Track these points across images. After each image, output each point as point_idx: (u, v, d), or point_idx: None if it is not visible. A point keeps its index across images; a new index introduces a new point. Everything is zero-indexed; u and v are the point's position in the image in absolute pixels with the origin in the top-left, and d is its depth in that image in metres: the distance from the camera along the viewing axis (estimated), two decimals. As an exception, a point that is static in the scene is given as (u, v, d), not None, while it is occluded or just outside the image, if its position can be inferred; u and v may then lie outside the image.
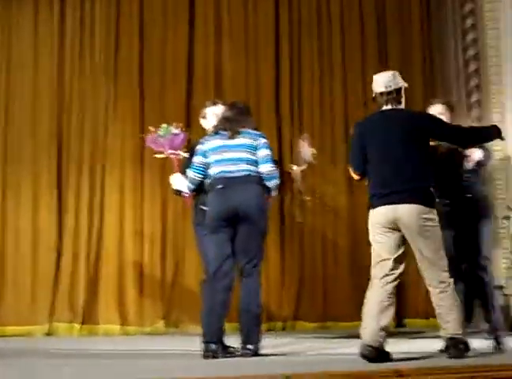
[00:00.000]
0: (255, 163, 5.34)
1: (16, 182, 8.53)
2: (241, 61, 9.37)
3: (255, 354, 5.06)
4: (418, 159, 4.81)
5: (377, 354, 4.53)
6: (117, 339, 7.82)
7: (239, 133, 5.39)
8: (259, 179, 5.33)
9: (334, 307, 9.04)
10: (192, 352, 5.60)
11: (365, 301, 4.84)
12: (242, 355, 5.07)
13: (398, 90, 4.96)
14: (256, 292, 5.18)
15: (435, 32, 9.91)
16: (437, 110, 5.60)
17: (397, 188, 4.74)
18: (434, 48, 9.93)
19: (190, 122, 8.71)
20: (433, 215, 4.76)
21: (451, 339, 4.69)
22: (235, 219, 5.21)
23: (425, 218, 4.72)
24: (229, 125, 5.43)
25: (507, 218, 8.06)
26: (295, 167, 5.89)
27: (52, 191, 8.47)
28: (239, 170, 5.31)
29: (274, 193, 5.54)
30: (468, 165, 5.43)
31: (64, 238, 8.41)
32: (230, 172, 5.32)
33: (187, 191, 5.66)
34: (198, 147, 5.51)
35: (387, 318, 4.73)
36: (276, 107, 9.43)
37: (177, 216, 8.64)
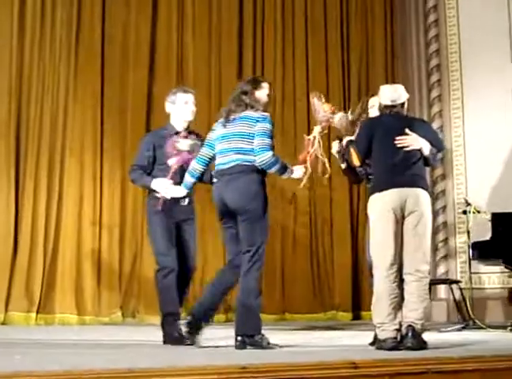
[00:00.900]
0: (248, 151, 5.07)
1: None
2: (204, 48, 9.41)
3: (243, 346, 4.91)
4: (419, 154, 5.05)
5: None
6: (73, 328, 7.75)
7: (234, 119, 5.17)
8: (249, 168, 5.05)
9: (293, 299, 9.09)
10: (147, 342, 5.60)
11: (374, 296, 4.89)
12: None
13: (402, 104, 5.21)
14: (248, 283, 4.96)
15: (398, 27, 10.06)
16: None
17: (407, 173, 4.96)
18: (396, 42, 10.06)
19: (151, 108, 8.70)
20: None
21: (410, 326, 4.73)
22: (231, 213, 5.07)
23: (427, 205, 4.96)
24: (226, 112, 5.24)
25: (464, 212, 8.12)
26: (315, 128, 5.42)
27: (10, 177, 8.27)
28: (227, 162, 5.11)
29: (286, 176, 5.21)
30: None
31: (21, 226, 8.24)
32: (221, 164, 5.15)
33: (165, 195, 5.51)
34: (207, 136, 5.37)
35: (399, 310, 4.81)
36: (239, 96, 9.46)
37: (136, 206, 8.58)
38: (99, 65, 8.86)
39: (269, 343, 4.90)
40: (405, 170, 4.97)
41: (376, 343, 4.93)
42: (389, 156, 5.01)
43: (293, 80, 9.73)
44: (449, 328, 7.30)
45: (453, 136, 9.49)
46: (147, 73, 9.06)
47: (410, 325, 4.74)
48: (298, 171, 5.25)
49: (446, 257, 9.40)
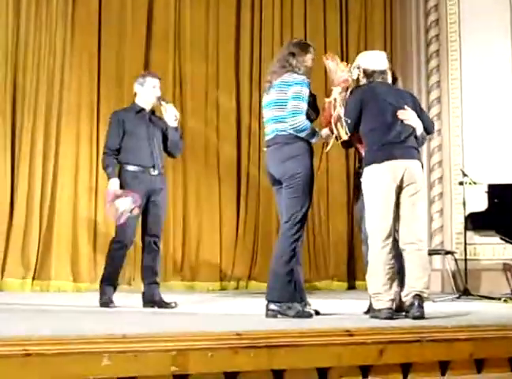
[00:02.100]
0: (284, 119, 4.99)
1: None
2: (201, 16, 9.35)
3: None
4: (412, 128, 5.02)
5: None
6: (69, 295, 7.77)
7: (273, 86, 5.09)
8: (288, 138, 4.97)
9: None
10: (143, 309, 5.63)
11: (370, 267, 4.89)
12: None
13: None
14: (280, 250, 4.91)
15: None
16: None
17: (405, 145, 4.92)
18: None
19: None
20: None
21: (417, 296, 4.74)
22: (277, 182, 5.05)
23: (422, 177, 5.04)
24: (269, 74, 5.19)
25: (461, 183, 8.13)
26: (334, 90, 5.27)
27: (6, 143, 8.21)
28: (269, 132, 5.07)
29: (315, 141, 5.08)
30: None
31: (17, 192, 8.21)
32: (266, 135, 5.13)
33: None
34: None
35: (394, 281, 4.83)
36: (236, 64, 9.46)
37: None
38: (95, 32, 8.78)
39: (298, 312, 4.78)
40: (403, 142, 4.92)
41: (371, 312, 4.95)
42: (387, 127, 4.94)
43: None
44: (443, 298, 7.34)
45: (450, 107, 9.48)
46: (144, 40, 9.01)
47: (418, 295, 4.74)
48: (325, 135, 5.18)
49: (441, 227, 9.43)
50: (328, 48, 9.66)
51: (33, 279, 8.10)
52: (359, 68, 5.18)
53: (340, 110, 5.09)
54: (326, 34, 9.99)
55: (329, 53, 5.43)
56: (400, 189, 4.87)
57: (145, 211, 5.92)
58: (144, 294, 5.92)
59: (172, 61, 9.14)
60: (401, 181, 4.85)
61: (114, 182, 5.90)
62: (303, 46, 5.22)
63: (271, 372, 3.49)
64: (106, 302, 5.75)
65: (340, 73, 5.24)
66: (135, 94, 6.16)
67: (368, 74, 5.14)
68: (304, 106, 4.98)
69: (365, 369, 3.73)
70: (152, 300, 5.83)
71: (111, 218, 5.96)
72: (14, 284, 7.98)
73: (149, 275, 5.93)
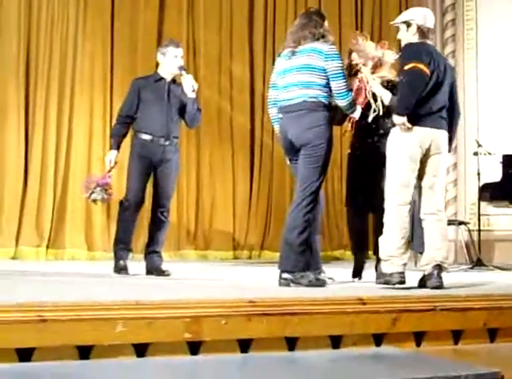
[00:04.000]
0: (315, 85, 4.87)
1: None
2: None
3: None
4: None
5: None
6: (83, 263, 7.81)
7: (300, 51, 4.96)
8: (317, 105, 4.86)
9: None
10: (156, 278, 5.65)
11: (386, 229, 4.81)
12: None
13: None
14: (293, 221, 4.87)
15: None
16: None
17: (438, 114, 4.84)
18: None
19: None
20: None
21: (438, 266, 4.73)
22: (295, 149, 4.96)
23: (447, 149, 4.98)
24: (293, 41, 5.02)
25: (476, 154, 8.09)
26: (362, 68, 5.19)
27: (20, 112, 8.24)
28: (292, 98, 4.91)
29: (352, 112, 5.06)
30: None
31: (31, 162, 8.25)
32: (287, 100, 4.96)
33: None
34: (271, 78, 5.28)
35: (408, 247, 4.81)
36: (250, 33, 9.41)
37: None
38: (109, 1, 8.74)
39: (311, 281, 4.74)
40: (437, 111, 4.84)
41: (380, 277, 4.91)
42: (428, 93, 4.82)
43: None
44: (456, 269, 7.34)
45: (466, 78, 9.41)
46: (157, 13, 8.97)
47: (438, 265, 4.72)
48: (357, 112, 5.12)
49: (455, 198, 9.41)
50: (342, 21, 9.67)
51: (47, 247, 8.16)
52: (409, 25, 4.93)
53: (372, 87, 5.08)
54: (341, 5, 9.90)
55: (358, 31, 5.39)
56: (425, 156, 4.82)
57: (154, 181, 5.93)
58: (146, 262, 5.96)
59: (186, 30, 9.10)
60: (427, 150, 4.80)
61: (111, 154, 5.98)
62: (322, 16, 5.15)
63: (284, 339, 3.51)
64: (120, 269, 5.76)
65: (370, 50, 5.21)
66: (157, 64, 6.15)
67: (424, 32, 4.94)
68: (347, 82, 4.97)
69: (378, 338, 3.74)
70: (149, 268, 5.85)
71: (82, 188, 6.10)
72: (29, 252, 8.04)
73: (150, 244, 5.95)
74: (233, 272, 6.71)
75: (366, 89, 5.06)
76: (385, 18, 9.86)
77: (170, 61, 5.96)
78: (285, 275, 4.80)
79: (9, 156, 8.21)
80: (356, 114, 5.16)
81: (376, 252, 5.19)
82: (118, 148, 6.01)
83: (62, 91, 8.42)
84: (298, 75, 4.93)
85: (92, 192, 5.87)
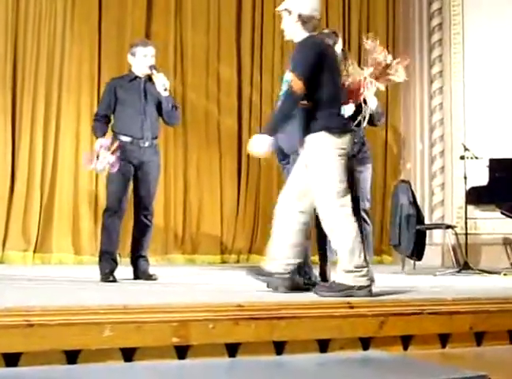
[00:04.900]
0: None
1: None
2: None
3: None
4: None
5: None
6: (70, 267, 7.79)
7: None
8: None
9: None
10: (144, 281, 5.64)
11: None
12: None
13: None
14: None
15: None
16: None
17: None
18: None
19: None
20: None
21: None
22: None
23: None
24: None
25: (462, 158, 8.11)
26: (365, 70, 5.11)
27: (6, 114, 8.19)
28: None
29: None
30: None
31: (18, 164, 8.21)
32: None
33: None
34: None
35: None
36: (237, 39, 9.40)
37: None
38: (96, 2, 8.71)
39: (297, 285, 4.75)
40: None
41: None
42: (339, 93, 4.63)
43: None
44: (443, 272, 7.36)
45: (452, 81, 9.45)
46: (145, 12, 8.94)
47: None
48: (349, 109, 5.06)
49: (442, 201, 9.44)
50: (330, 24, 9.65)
51: (34, 251, 8.12)
52: (290, 12, 4.54)
53: (369, 89, 5.09)
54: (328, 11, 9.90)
55: (370, 34, 5.38)
56: None
57: (136, 185, 5.85)
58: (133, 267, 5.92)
59: (173, 32, 9.07)
60: None
61: (100, 140, 5.76)
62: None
63: (272, 343, 3.51)
64: (106, 277, 5.62)
65: (377, 55, 5.21)
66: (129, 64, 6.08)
67: (305, 21, 4.53)
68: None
69: (365, 342, 3.75)
70: (136, 272, 5.83)
71: (85, 161, 5.86)
72: (16, 257, 8.01)
73: (136, 249, 5.92)
74: (221, 276, 6.71)
75: (361, 93, 5.08)
76: (373, 22, 9.91)
77: (140, 61, 5.89)
78: None
79: (-4, 160, 8.18)
80: (347, 112, 5.14)
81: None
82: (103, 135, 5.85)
83: (49, 93, 8.38)
84: None
85: (97, 158, 5.61)
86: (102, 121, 5.93)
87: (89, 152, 5.92)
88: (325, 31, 5.54)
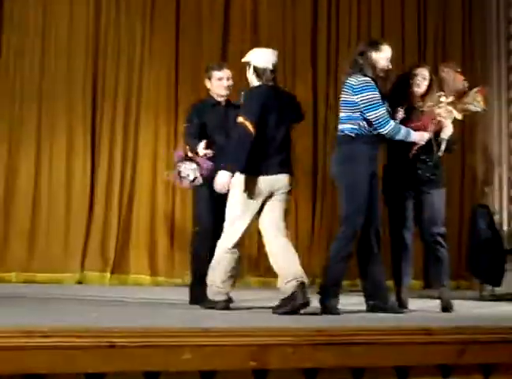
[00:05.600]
0: (350, 119, 5.07)
1: (50, 129, 8.43)
2: (278, 7, 9.27)
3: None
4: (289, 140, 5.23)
5: None
6: (146, 288, 7.87)
7: (343, 83, 5.18)
8: (349, 138, 5.05)
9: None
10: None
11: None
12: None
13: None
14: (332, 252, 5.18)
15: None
16: (423, 73, 5.54)
17: (282, 158, 5.08)
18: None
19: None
20: None
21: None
22: None
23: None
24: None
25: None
26: (443, 99, 5.31)
27: (86, 138, 8.44)
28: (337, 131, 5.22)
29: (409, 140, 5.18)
30: None
31: (97, 187, 8.42)
32: None
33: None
34: None
35: None
36: (313, 58, 9.37)
37: (209, 167, 8.62)
38: (173, 26, 8.87)
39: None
40: (283, 155, 5.13)
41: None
42: (275, 139, 5.10)
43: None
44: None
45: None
46: (221, 33, 9.03)
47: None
48: (424, 136, 5.22)
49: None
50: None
51: (112, 272, 8.25)
52: (249, 65, 5.26)
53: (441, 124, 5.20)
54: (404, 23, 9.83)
55: (451, 62, 5.40)
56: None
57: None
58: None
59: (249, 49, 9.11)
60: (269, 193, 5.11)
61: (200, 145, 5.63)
62: (373, 44, 5.21)
63: (350, 369, 3.49)
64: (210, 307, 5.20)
65: (456, 83, 5.20)
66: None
67: (259, 73, 5.16)
68: (383, 110, 5.03)
69: (446, 369, 3.69)
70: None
71: (172, 179, 5.83)
72: (94, 277, 8.17)
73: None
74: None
75: (432, 123, 5.09)
76: (449, 31, 9.78)
77: (216, 85, 5.87)
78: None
79: (76, 183, 8.38)
80: (422, 141, 5.17)
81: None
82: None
83: (128, 115, 8.58)
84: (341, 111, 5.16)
85: (181, 164, 5.54)
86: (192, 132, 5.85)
87: (175, 170, 5.71)
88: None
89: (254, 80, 5.17)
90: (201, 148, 5.58)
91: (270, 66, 5.13)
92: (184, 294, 5.77)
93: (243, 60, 5.27)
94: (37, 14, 8.47)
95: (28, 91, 8.37)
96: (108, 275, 8.24)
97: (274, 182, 5.02)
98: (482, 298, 7.36)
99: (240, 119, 4.98)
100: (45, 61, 8.46)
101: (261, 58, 5.17)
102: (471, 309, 5.75)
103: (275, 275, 8.79)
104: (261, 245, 8.91)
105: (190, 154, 5.56)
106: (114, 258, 8.32)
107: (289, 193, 5.16)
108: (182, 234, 8.45)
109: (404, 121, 5.24)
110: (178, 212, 8.58)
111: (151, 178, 8.57)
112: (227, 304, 5.06)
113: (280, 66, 9.07)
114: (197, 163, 5.49)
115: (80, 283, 8.10)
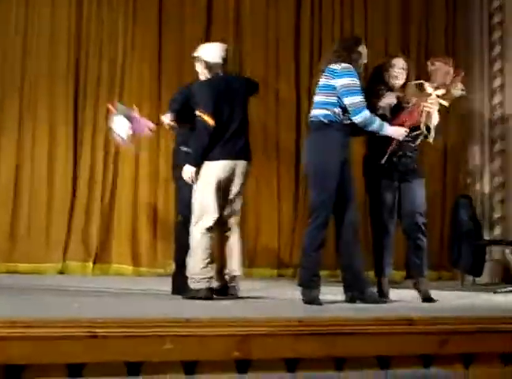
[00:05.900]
0: (325, 105, 5.09)
1: (32, 119, 8.37)
2: (261, 1, 9.25)
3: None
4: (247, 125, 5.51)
5: None
6: (129, 279, 7.87)
7: (322, 71, 5.21)
8: (322, 124, 5.06)
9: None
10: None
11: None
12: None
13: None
14: (306, 242, 5.28)
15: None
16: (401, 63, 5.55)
17: (240, 145, 5.34)
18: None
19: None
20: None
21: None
22: None
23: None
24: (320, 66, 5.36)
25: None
26: (430, 90, 5.26)
27: (68, 130, 8.39)
28: (310, 117, 5.25)
29: (384, 134, 5.18)
30: None
31: (79, 177, 8.37)
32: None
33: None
34: None
35: None
36: (296, 52, 9.36)
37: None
38: (155, 18, 8.82)
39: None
40: (241, 143, 5.40)
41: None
42: (231, 125, 5.36)
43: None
44: (504, 289, 7.24)
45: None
46: (204, 25, 8.97)
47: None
48: (399, 132, 5.21)
49: (502, 218, 9.29)
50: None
51: (94, 262, 8.23)
52: (199, 60, 5.62)
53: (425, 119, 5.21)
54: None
55: (445, 56, 5.44)
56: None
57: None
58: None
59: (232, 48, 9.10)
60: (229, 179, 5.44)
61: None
62: (355, 40, 5.34)
63: (332, 359, 3.50)
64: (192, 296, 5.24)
65: (447, 77, 5.22)
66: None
67: (211, 67, 5.50)
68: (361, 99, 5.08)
69: (427, 359, 3.71)
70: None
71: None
72: (76, 267, 8.14)
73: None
74: (279, 290, 6.70)
75: (419, 113, 5.10)
76: (432, 25, 9.79)
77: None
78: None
79: (58, 173, 8.32)
80: (400, 137, 5.19)
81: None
82: None
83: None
84: (317, 95, 5.20)
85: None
86: None
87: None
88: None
89: (205, 74, 5.51)
90: (167, 117, 5.83)
91: (220, 61, 5.47)
92: (166, 285, 5.77)
93: (194, 55, 5.61)
94: (19, 6, 8.40)
95: (9, 81, 8.31)
96: (91, 265, 8.21)
97: (233, 167, 5.28)
98: (463, 289, 7.40)
99: (197, 112, 5.25)
100: (27, 51, 8.39)
101: (212, 53, 5.51)
102: (452, 300, 5.77)
103: (256, 265, 8.84)
104: (243, 235, 8.97)
105: (134, 114, 5.76)
106: (97, 248, 8.29)
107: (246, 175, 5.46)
108: (165, 224, 8.43)
109: (393, 114, 5.26)
110: (161, 201, 8.55)
111: (133, 168, 8.54)
112: (209, 293, 5.12)
113: (262, 62, 9.17)
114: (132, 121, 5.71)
115: (62, 273, 8.07)
